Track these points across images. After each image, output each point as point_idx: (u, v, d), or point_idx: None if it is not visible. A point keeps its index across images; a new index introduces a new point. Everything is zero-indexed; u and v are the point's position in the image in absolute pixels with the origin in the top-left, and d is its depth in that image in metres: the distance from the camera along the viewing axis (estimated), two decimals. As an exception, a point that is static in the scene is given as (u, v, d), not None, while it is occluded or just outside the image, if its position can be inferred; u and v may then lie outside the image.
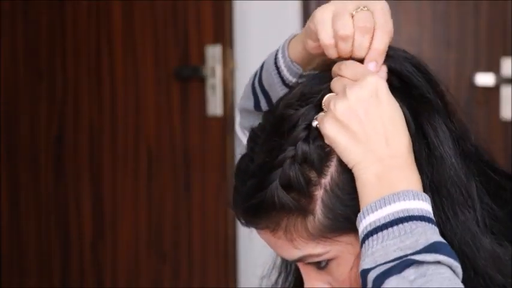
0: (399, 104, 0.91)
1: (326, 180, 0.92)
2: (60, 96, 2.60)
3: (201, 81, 2.38)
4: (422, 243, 0.84)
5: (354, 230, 0.90)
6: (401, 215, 0.85)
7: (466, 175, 0.94)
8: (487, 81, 2.32)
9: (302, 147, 0.91)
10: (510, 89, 2.32)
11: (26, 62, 2.65)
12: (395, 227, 0.85)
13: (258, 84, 1.08)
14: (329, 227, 0.92)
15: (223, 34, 2.33)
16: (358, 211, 0.89)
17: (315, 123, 0.92)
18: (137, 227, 2.52)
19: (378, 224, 0.86)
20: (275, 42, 2.73)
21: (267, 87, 1.07)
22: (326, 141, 0.91)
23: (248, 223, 0.98)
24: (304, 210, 0.92)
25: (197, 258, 2.45)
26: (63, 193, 2.61)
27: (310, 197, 0.92)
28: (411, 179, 0.88)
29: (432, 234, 0.85)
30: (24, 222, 2.68)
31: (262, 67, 1.08)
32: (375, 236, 0.86)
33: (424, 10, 2.35)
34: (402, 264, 0.83)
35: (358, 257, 0.90)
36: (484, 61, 2.35)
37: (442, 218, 0.92)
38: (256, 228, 0.97)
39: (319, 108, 0.93)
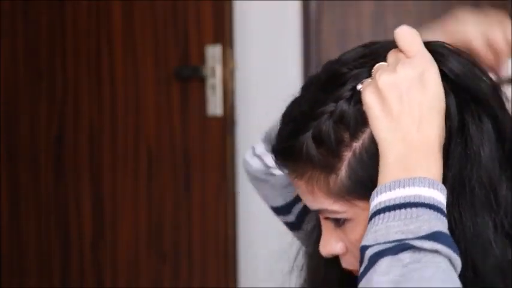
0: (448, 94, 0.92)
1: (357, 144, 0.93)
2: (60, 96, 2.60)
3: (201, 81, 2.38)
4: (424, 230, 0.84)
5: (370, 196, 0.91)
6: (411, 200, 0.86)
7: (498, 179, 0.94)
8: (487, 81, 2.32)
9: (342, 106, 0.93)
10: (510, 89, 2.32)
11: (26, 62, 2.65)
12: (402, 210, 0.86)
13: None
14: (349, 189, 0.93)
15: (223, 34, 2.33)
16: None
17: (359, 87, 0.93)
18: (137, 227, 2.52)
19: (387, 204, 0.87)
20: (275, 42, 2.74)
21: None
22: (363, 107, 0.92)
23: (278, 164, 0.99)
24: (330, 168, 0.94)
25: (197, 258, 2.45)
26: (63, 193, 2.61)
27: (339, 156, 0.93)
28: (432, 168, 0.89)
29: (437, 223, 0.85)
30: (24, 222, 2.68)
31: None
32: (381, 215, 0.86)
33: (424, 10, 2.35)
34: (399, 247, 0.83)
35: None
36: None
37: (454, 215, 0.92)
38: (285, 169, 0.99)
39: (371, 73, 0.94)
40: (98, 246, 2.57)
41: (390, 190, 0.87)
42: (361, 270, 0.85)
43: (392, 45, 0.96)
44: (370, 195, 0.90)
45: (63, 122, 2.60)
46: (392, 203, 0.87)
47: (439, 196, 0.87)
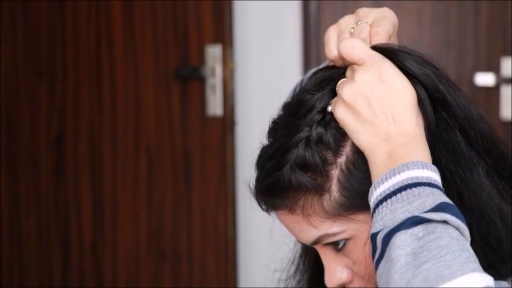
0: (414, 83, 0.94)
1: (342, 160, 0.94)
2: (60, 96, 2.60)
3: (201, 81, 2.39)
4: (429, 204, 0.85)
5: (369, 208, 0.92)
6: (409, 182, 0.87)
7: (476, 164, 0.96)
8: (487, 81, 2.32)
9: (317, 128, 0.95)
10: (510, 89, 2.32)
11: (26, 62, 2.65)
12: (403, 192, 0.87)
13: None
14: (345, 205, 0.94)
15: (223, 34, 2.33)
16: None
17: (329, 108, 0.95)
18: (137, 227, 2.52)
19: (386, 192, 0.88)
20: (275, 42, 2.74)
21: None
22: (339, 124, 0.94)
23: (267, 205, 0.99)
24: (321, 189, 0.95)
25: (197, 258, 2.46)
26: (63, 193, 2.61)
27: (327, 175, 0.94)
28: (421, 153, 0.90)
29: (439, 196, 0.86)
30: (24, 222, 2.68)
31: None
32: (384, 203, 0.87)
33: (424, 10, 2.35)
34: (410, 220, 0.84)
35: None
36: (484, 61, 2.35)
37: (457, 181, 0.94)
38: (275, 209, 0.99)
39: (334, 93, 0.96)
40: (98, 246, 2.58)
41: (387, 180, 0.88)
42: (376, 257, 0.86)
43: (345, 67, 0.98)
44: (367, 205, 0.91)
45: (63, 122, 2.60)
46: (391, 189, 0.88)
47: (434, 175, 0.89)
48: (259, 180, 0.98)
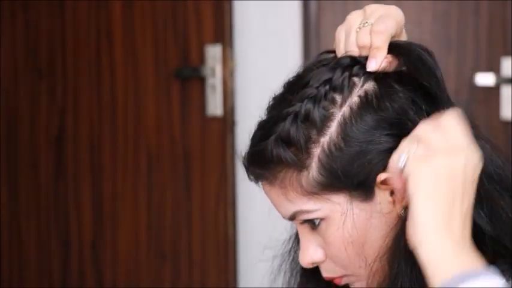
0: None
1: (325, 139, 0.95)
2: (60, 96, 2.60)
3: (201, 81, 2.38)
4: None
5: (343, 190, 0.94)
6: None
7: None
8: (487, 81, 2.32)
9: (307, 105, 0.95)
10: (510, 89, 2.32)
11: (26, 62, 2.65)
12: None
13: None
14: (321, 184, 0.95)
15: (223, 34, 2.33)
16: (350, 172, 0.93)
17: (403, 157, 0.91)
18: (137, 227, 2.52)
19: None
20: (275, 42, 2.74)
21: None
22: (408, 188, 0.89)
23: (251, 174, 1.00)
24: (300, 165, 0.95)
25: (197, 258, 2.45)
26: (63, 193, 2.61)
27: (308, 153, 0.95)
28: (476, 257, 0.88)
29: None
30: (24, 222, 2.67)
31: None
32: None
33: (424, 10, 2.35)
34: None
35: (346, 218, 0.95)
36: (484, 61, 2.35)
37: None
38: (258, 180, 1.00)
39: (333, 70, 0.97)
40: (98, 246, 2.57)
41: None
42: None
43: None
44: (342, 187, 0.93)
45: (63, 122, 2.60)
46: None
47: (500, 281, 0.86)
48: (248, 149, 1.00)
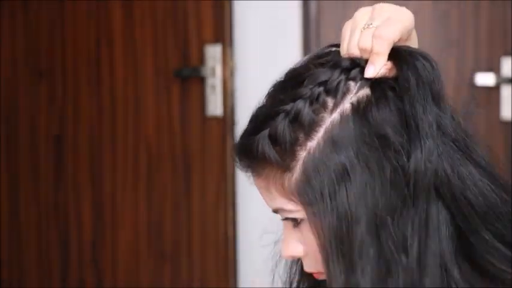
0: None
1: (312, 144, 0.93)
2: (60, 96, 2.60)
3: (201, 81, 2.38)
4: None
5: (305, 205, 0.93)
6: None
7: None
8: (487, 81, 2.32)
9: (298, 105, 0.94)
10: (510, 89, 2.32)
11: (26, 62, 2.65)
12: None
13: None
14: (300, 189, 0.94)
15: (223, 34, 2.33)
16: (320, 190, 0.92)
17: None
18: (137, 227, 2.52)
19: None
20: (275, 42, 2.73)
21: None
22: None
23: (239, 164, 1.00)
24: (285, 166, 0.94)
25: (197, 258, 2.45)
26: (63, 193, 2.61)
27: (293, 155, 0.94)
28: None
29: None
30: (24, 223, 2.68)
31: None
32: None
33: (424, 10, 2.35)
34: None
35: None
36: (484, 61, 2.35)
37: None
38: (245, 169, 0.99)
39: (332, 71, 0.96)
40: (98, 246, 2.58)
41: None
42: None
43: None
44: (303, 201, 0.93)
45: (63, 122, 2.60)
46: None
47: None
48: (239, 139, 1.00)
